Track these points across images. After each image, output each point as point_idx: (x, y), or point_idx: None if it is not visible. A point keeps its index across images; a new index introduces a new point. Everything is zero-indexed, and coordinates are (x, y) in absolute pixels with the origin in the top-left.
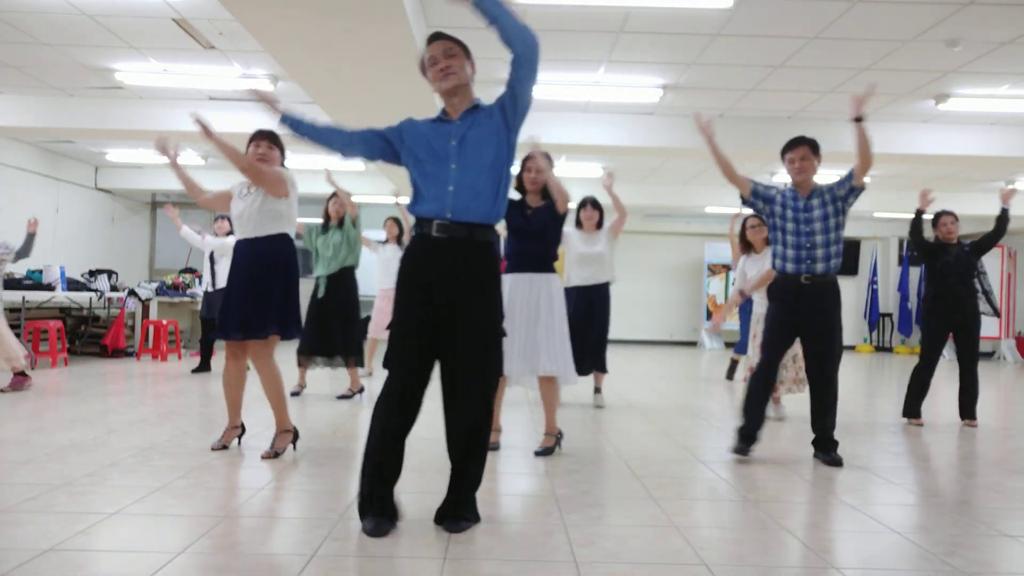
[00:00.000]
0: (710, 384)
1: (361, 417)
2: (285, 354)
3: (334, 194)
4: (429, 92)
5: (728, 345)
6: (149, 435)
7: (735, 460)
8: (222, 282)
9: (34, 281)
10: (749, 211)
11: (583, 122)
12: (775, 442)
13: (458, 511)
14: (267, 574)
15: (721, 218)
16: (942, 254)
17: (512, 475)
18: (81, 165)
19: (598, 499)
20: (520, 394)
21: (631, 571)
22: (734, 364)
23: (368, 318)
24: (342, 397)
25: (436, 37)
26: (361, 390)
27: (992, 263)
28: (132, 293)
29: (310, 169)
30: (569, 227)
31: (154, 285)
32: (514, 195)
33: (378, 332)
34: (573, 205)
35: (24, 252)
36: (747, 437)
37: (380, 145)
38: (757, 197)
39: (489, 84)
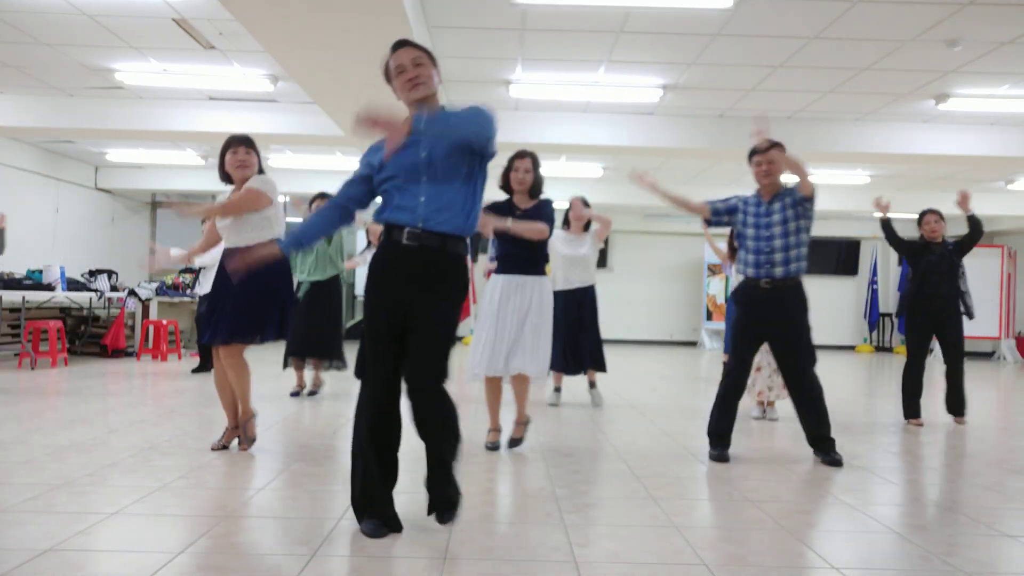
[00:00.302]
0: (710, 384)
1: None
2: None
3: (318, 196)
4: None
5: None
6: (149, 435)
7: (734, 460)
8: (207, 287)
9: (34, 281)
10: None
11: (583, 122)
12: (775, 442)
13: (441, 500)
14: (267, 574)
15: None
16: (926, 253)
17: (512, 475)
18: (81, 165)
19: (598, 499)
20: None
21: (631, 571)
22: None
23: (359, 323)
24: (295, 394)
25: (402, 44)
26: (312, 392)
27: (992, 263)
28: (132, 293)
29: (303, 169)
30: (556, 230)
31: (154, 285)
32: (501, 195)
33: None
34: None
35: None
36: (720, 439)
37: (368, 189)
38: (719, 215)
39: (489, 84)
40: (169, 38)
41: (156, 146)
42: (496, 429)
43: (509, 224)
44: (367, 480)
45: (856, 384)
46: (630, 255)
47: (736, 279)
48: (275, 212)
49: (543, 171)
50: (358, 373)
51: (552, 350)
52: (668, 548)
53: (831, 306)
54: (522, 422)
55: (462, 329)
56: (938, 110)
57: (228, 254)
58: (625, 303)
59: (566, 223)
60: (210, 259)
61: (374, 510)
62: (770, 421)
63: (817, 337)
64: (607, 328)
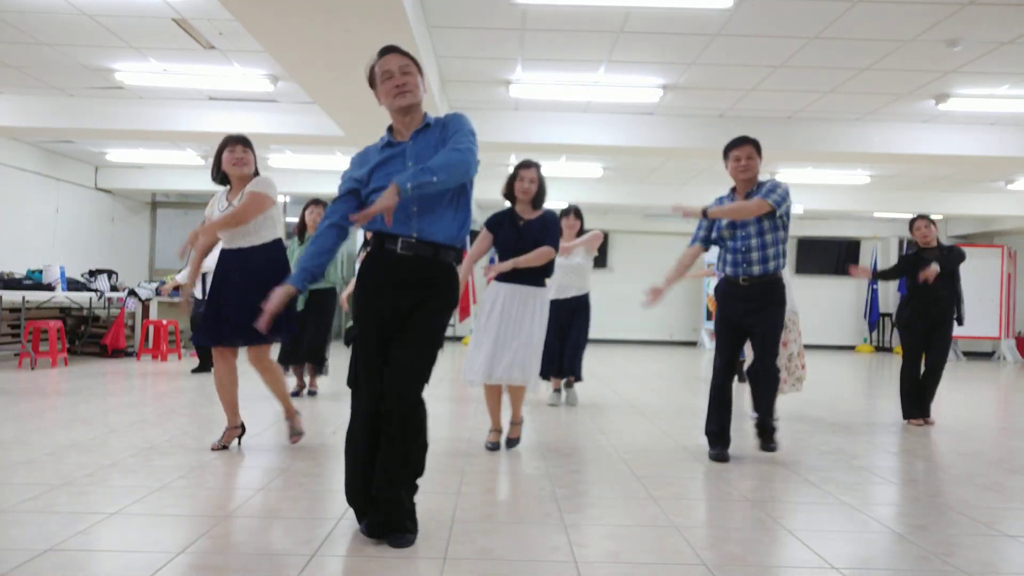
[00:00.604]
0: (709, 384)
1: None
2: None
3: (312, 201)
4: (429, 93)
5: None
6: (149, 435)
7: (734, 460)
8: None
9: (34, 281)
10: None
11: (583, 122)
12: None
13: (393, 519)
14: (267, 574)
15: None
16: (919, 262)
17: (512, 475)
18: (81, 165)
19: (598, 499)
20: None
21: (631, 571)
22: (740, 365)
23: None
24: (295, 394)
25: (390, 50)
26: (312, 392)
27: (992, 263)
28: (132, 293)
29: (303, 169)
30: None
31: (154, 285)
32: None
33: None
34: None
35: None
36: (719, 439)
37: (358, 203)
38: (707, 240)
39: (489, 84)
40: (169, 38)
41: (156, 146)
42: (497, 430)
43: (510, 265)
44: (363, 485)
45: (856, 384)
46: (630, 255)
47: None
48: (277, 212)
49: (544, 172)
50: (351, 383)
51: (544, 356)
52: (668, 548)
53: (831, 306)
54: (517, 422)
55: (461, 329)
56: (938, 110)
57: (228, 255)
58: (625, 303)
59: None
60: (211, 261)
61: (369, 512)
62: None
63: (817, 337)
64: (607, 328)
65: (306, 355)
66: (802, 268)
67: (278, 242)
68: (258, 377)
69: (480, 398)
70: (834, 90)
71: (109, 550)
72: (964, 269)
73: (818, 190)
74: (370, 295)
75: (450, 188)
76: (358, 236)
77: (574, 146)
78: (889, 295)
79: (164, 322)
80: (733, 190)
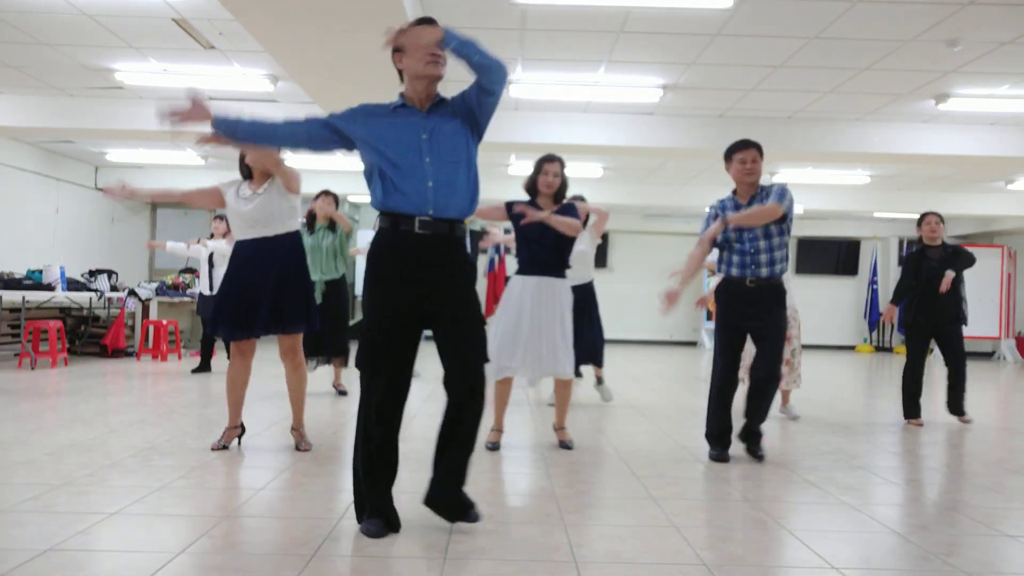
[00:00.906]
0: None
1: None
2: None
3: (323, 193)
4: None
5: None
6: (149, 435)
7: (734, 460)
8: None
9: (34, 281)
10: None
11: (583, 122)
12: (775, 442)
13: (462, 498)
14: (267, 574)
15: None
16: (924, 259)
17: (512, 475)
18: (81, 165)
19: (598, 499)
20: (520, 394)
21: (631, 571)
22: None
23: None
24: (341, 393)
25: (431, 22)
26: (339, 392)
27: (992, 263)
28: (132, 293)
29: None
30: None
31: (154, 285)
32: (523, 197)
33: None
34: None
35: None
36: (719, 440)
37: (326, 136)
38: (714, 211)
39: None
40: (169, 38)
41: (156, 146)
42: (499, 429)
43: (546, 215)
44: (376, 477)
45: (856, 384)
46: (630, 255)
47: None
48: (298, 203)
49: None
50: (360, 365)
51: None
52: (668, 548)
53: (831, 306)
54: (565, 426)
55: None
56: (938, 110)
57: (247, 245)
58: (625, 303)
59: None
60: (219, 256)
61: (378, 509)
62: (792, 420)
63: (817, 337)
64: (606, 328)
65: (328, 348)
66: (802, 268)
67: (298, 234)
68: (261, 377)
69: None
70: (834, 90)
71: (109, 550)
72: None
73: (818, 190)
74: (388, 280)
75: (480, 110)
76: (359, 240)
77: (574, 146)
78: (889, 295)
79: (164, 322)
80: (734, 192)
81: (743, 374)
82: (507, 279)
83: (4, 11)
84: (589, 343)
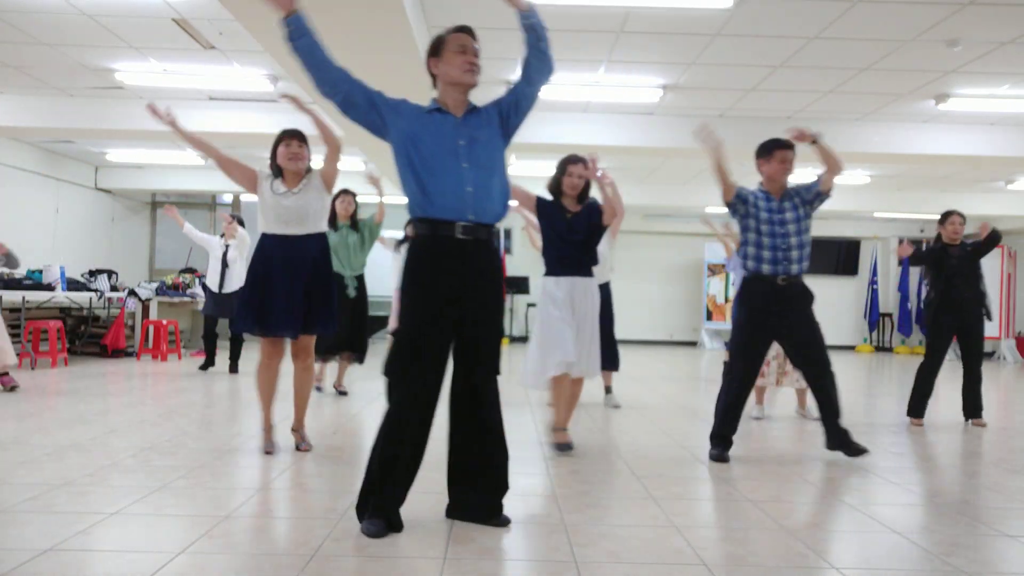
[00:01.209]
0: (710, 384)
1: (362, 417)
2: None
3: (342, 192)
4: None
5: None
6: (149, 435)
7: (734, 460)
8: (236, 284)
9: (34, 281)
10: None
11: (583, 122)
12: (775, 442)
13: (498, 500)
14: (267, 574)
15: (722, 218)
16: (946, 257)
17: (512, 475)
18: (81, 165)
19: (598, 499)
20: (521, 394)
21: (631, 571)
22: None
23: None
24: (342, 394)
25: (468, 30)
26: (340, 392)
27: (992, 263)
28: (132, 293)
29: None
30: None
31: (154, 285)
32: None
33: None
34: None
35: (12, 265)
36: (723, 440)
37: (364, 105)
38: (739, 199)
39: (489, 84)
40: (169, 38)
41: (156, 146)
42: (562, 428)
43: (611, 179)
44: (396, 478)
45: (856, 384)
46: (630, 255)
47: (736, 276)
48: (329, 203)
49: (543, 172)
50: (393, 368)
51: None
52: (668, 548)
53: (831, 306)
54: (565, 427)
55: None
56: (938, 110)
57: (276, 241)
58: (625, 303)
59: None
60: (235, 253)
61: (381, 508)
62: (815, 420)
63: None
64: None
65: (346, 344)
66: None
67: (325, 235)
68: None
69: None
70: (834, 90)
71: (109, 550)
72: None
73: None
74: (429, 286)
75: (522, 107)
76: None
77: (574, 146)
78: (889, 295)
79: (164, 322)
80: (765, 187)
81: (761, 379)
82: (505, 279)
83: (4, 11)
84: (610, 347)
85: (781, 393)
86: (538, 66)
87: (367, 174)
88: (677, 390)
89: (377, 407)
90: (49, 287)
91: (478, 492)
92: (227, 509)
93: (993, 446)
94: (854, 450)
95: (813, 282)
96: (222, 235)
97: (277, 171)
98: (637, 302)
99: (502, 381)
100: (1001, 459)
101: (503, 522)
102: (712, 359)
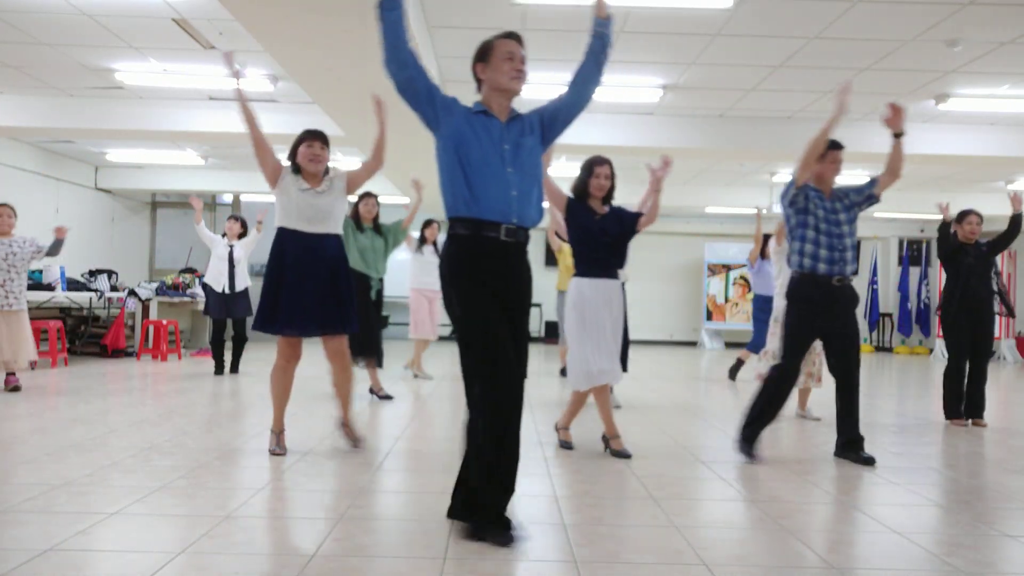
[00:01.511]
0: (710, 384)
1: (363, 417)
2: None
3: (365, 195)
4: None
5: (729, 345)
6: (149, 435)
7: (737, 460)
8: (242, 283)
9: (34, 281)
10: (765, 209)
11: (583, 122)
12: (775, 442)
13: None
14: (267, 574)
15: (721, 218)
16: (963, 255)
17: None
18: (81, 165)
19: (598, 499)
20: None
21: (631, 571)
22: (740, 364)
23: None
24: (384, 397)
25: (516, 37)
26: (380, 397)
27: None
28: (132, 293)
29: None
30: None
31: (154, 285)
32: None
33: (415, 332)
34: None
35: (50, 252)
36: (754, 439)
37: (423, 93)
38: (806, 190)
39: None
40: (169, 38)
41: (156, 146)
42: (615, 435)
43: (659, 181)
44: (504, 480)
45: None
46: (630, 255)
47: (759, 279)
48: (347, 206)
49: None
50: (471, 374)
51: None
52: (668, 548)
53: None
54: (618, 434)
55: None
56: (938, 110)
57: (298, 238)
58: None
59: None
60: (240, 253)
61: (502, 517)
62: (815, 421)
63: None
64: None
65: (367, 349)
66: None
67: (341, 237)
68: (263, 377)
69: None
70: (834, 90)
71: (109, 550)
72: None
73: None
74: (478, 286)
75: (565, 116)
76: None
77: (574, 146)
78: (889, 295)
79: (164, 322)
80: (818, 187)
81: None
82: None
83: (4, 11)
84: (622, 348)
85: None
86: (592, 75)
87: (413, 179)
88: (677, 390)
89: (374, 408)
90: (49, 287)
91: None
92: (227, 509)
93: (993, 446)
94: (862, 459)
95: None
96: (223, 235)
97: (296, 168)
98: (637, 302)
99: None
100: (1001, 459)
101: (507, 540)
102: (712, 359)
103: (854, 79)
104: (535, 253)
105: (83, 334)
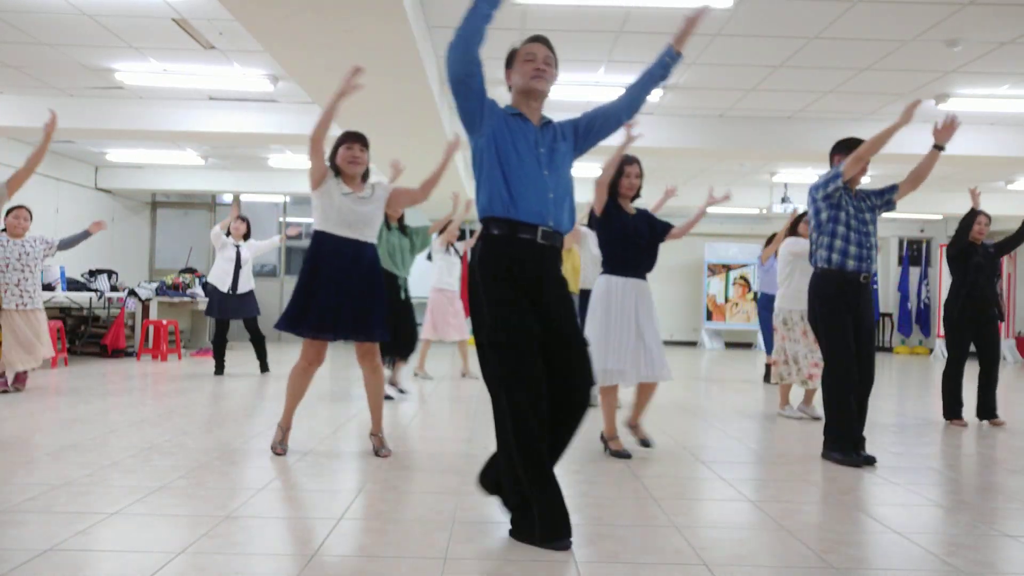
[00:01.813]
0: (710, 384)
1: (363, 418)
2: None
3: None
4: (429, 92)
5: (729, 345)
6: (149, 435)
7: (734, 461)
8: (245, 286)
9: None
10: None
11: None
12: (775, 442)
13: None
14: (267, 574)
15: (721, 218)
16: (972, 254)
17: None
18: (81, 165)
19: (598, 499)
20: None
21: (631, 571)
22: (769, 367)
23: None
24: (401, 391)
25: (541, 40)
26: (399, 391)
27: None
28: (132, 293)
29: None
30: (585, 227)
31: (154, 285)
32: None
33: (431, 332)
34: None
35: (65, 245)
36: (854, 444)
37: (477, 92)
38: (848, 186)
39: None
40: (169, 38)
41: (156, 146)
42: (613, 437)
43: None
44: (554, 486)
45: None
46: None
47: (767, 276)
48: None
49: None
50: (495, 378)
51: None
52: (668, 548)
53: None
54: (639, 423)
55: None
56: (938, 110)
57: (337, 243)
58: None
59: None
60: (247, 254)
61: (565, 518)
62: (813, 420)
63: None
64: None
65: (397, 347)
66: None
67: (375, 245)
68: (265, 378)
69: (485, 398)
70: (834, 90)
71: (109, 550)
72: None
73: None
74: (517, 288)
75: (606, 127)
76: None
77: None
78: (889, 295)
79: (164, 322)
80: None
81: (796, 377)
82: None
83: (4, 11)
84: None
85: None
86: (641, 97)
87: (456, 195)
88: (677, 390)
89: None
90: (49, 287)
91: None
92: (227, 509)
93: (993, 446)
94: (863, 459)
95: None
96: (228, 233)
97: (336, 170)
98: None
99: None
100: (1001, 459)
101: (567, 545)
102: (712, 359)
103: (854, 79)
104: None
105: (83, 334)
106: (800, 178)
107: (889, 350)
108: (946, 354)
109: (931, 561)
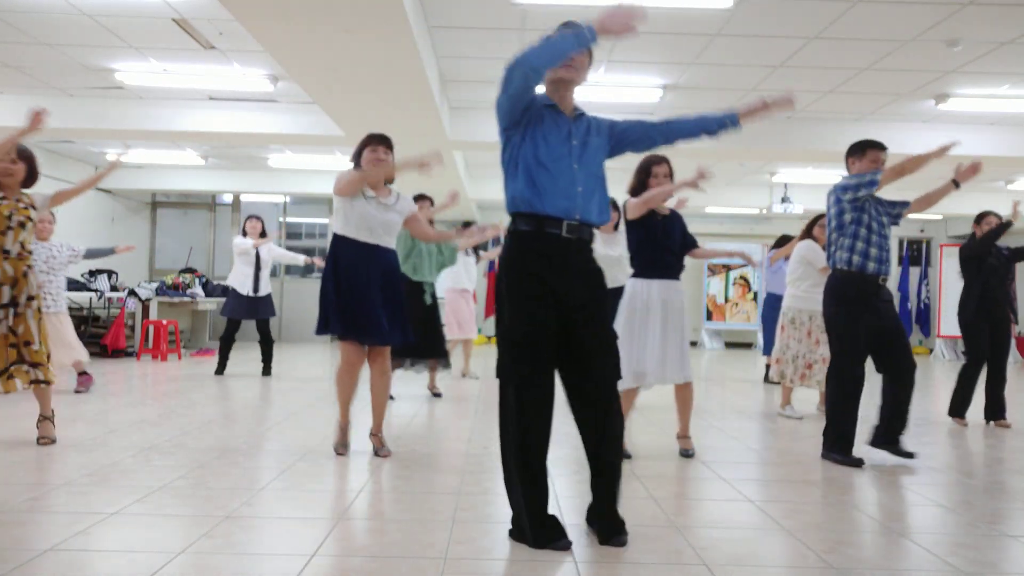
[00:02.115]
0: (710, 384)
1: (362, 418)
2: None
3: (420, 197)
4: (429, 92)
5: (729, 345)
6: (149, 435)
7: (733, 461)
8: (265, 288)
9: None
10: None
11: None
12: (775, 442)
13: (616, 522)
14: (267, 574)
15: (721, 218)
16: (986, 256)
17: None
18: (81, 165)
19: None
20: None
21: (631, 571)
22: (769, 367)
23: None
24: (436, 395)
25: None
26: (434, 395)
27: None
28: (132, 293)
29: (303, 169)
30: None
31: (154, 285)
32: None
33: (457, 332)
34: None
35: (92, 255)
36: (850, 445)
37: (527, 103)
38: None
39: (490, 84)
40: (169, 38)
41: (156, 146)
42: (686, 436)
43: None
44: (538, 487)
45: None
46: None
47: (774, 278)
48: None
49: None
50: (508, 374)
51: None
52: (668, 548)
53: None
54: (688, 435)
55: (488, 328)
56: (938, 110)
57: (364, 249)
58: None
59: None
60: (267, 255)
61: (547, 520)
62: (797, 420)
63: None
64: None
65: (429, 351)
66: None
67: (395, 251)
68: (267, 379)
69: (486, 398)
70: (834, 90)
71: (109, 550)
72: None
73: (818, 190)
74: (533, 284)
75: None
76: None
77: None
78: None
79: (164, 322)
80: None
81: (796, 379)
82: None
83: (4, 11)
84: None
85: (776, 392)
86: (681, 135)
87: (456, 194)
88: None
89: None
90: None
91: (601, 501)
92: (227, 509)
93: (993, 446)
94: (904, 451)
95: None
96: (244, 233)
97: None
98: None
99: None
100: (1001, 459)
101: (623, 542)
102: (712, 359)
103: (854, 79)
104: None
105: (83, 334)
106: (800, 178)
107: None
108: (954, 357)
109: (931, 561)
